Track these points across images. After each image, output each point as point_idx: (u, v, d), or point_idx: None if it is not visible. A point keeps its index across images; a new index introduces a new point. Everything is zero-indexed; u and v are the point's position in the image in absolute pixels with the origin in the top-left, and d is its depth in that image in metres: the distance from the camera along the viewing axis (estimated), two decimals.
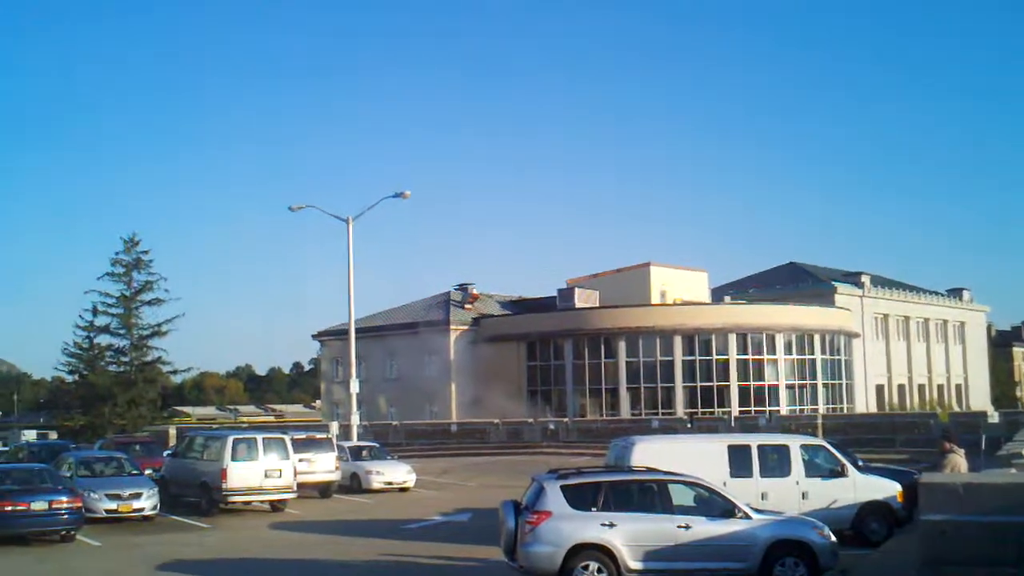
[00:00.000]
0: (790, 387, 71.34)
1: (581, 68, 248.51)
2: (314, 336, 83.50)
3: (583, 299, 76.90)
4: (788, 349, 71.44)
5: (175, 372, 77.21)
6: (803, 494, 20.54)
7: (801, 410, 68.47)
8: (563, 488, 16.51)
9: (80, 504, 23.52)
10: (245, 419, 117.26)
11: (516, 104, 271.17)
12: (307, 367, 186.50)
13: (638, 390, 69.62)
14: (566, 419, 62.63)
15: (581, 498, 16.43)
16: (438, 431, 61.81)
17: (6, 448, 50.26)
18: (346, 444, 37.92)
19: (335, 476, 33.38)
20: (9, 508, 22.36)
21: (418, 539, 23.48)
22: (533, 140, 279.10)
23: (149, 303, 71.80)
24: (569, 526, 16.02)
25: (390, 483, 35.12)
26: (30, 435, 70.79)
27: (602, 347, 70.60)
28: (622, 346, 69.88)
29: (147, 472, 29.97)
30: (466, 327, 74.80)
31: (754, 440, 22.21)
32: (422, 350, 73.14)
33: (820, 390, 72.55)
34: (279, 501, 29.27)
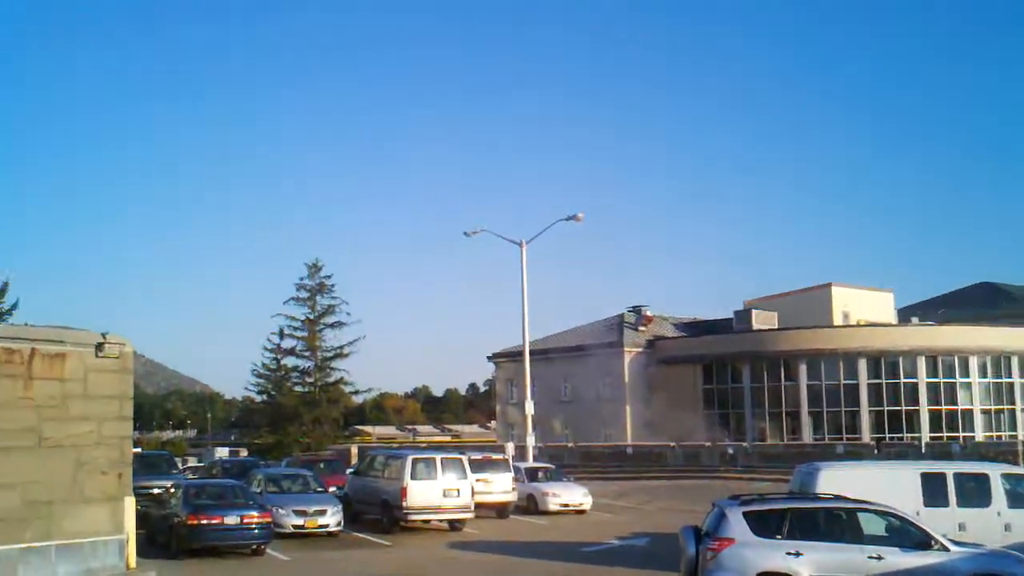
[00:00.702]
0: (985, 412, 67.58)
1: (756, 83, 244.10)
2: (489, 358, 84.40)
3: (761, 320, 75.14)
4: (983, 372, 67.73)
5: (356, 392, 79.30)
6: (1006, 526, 19.26)
7: (999, 436, 64.74)
8: (746, 514, 15.98)
9: (269, 519, 24.31)
10: (423, 439, 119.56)
11: (688, 122, 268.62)
12: (483, 388, 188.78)
13: (820, 414, 67.39)
14: (745, 443, 61.13)
15: (765, 525, 15.86)
16: (614, 453, 61.33)
17: (201, 464, 52.74)
18: (522, 465, 37.97)
19: (512, 497, 33.47)
20: (204, 521, 23.30)
21: (596, 563, 23.18)
22: (707, 158, 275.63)
23: (331, 326, 74.03)
24: (753, 554, 15.48)
25: (566, 505, 34.95)
26: (223, 452, 74.22)
27: (782, 369, 68.71)
28: (803, 368, 67.84)
29: (331, 489, 30.79)
30: (640, 349, 74.10)
31: (949, 468, 20.99)
32: (596, 372, 72.85)
33: (1020, 416, 68.39)
34: (457, 520, 29.51)
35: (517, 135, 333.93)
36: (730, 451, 57.95)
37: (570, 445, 63.44)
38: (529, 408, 45.41)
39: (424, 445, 79.87)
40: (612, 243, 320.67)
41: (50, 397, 17.68)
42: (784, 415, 68.57)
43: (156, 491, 28.08)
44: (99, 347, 18.55)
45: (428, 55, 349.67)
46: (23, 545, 16.84)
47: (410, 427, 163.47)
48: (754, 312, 76.07)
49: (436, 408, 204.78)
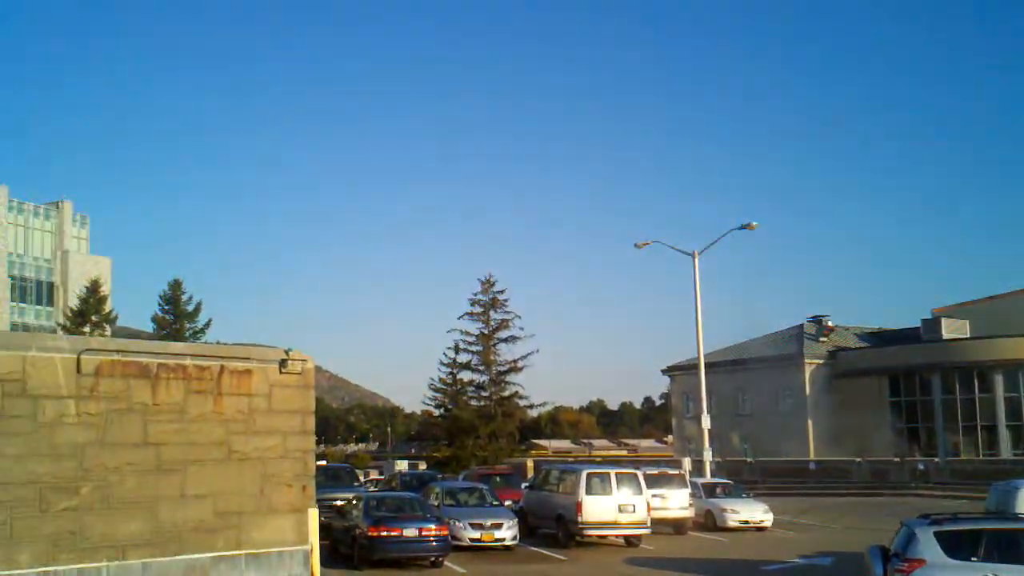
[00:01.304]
0: None
1: (940, 86, 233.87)
2: (663, 371, 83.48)
3: (951, 329, 71.60)
4: None
5: (531, 406, 79.75)
6: None
7: None
8: (937, 535, 15.13)
9: (447, 532, 24.62)
10: (598, 453, 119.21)
11: (859, 126, 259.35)
12: (658, 402, 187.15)
13: (1019, 428, 63.65)
14: (936, 459, 58.31)
15: (958, 546, 14.98)
16: (795, 469, 59.52)
17: (382, 477, 54.06)
18: (699, 480, 37.29)
19: (689, 513, 32.87)
20: (384, 533, 23.79)
21: None
22: (883, 162, 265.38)
23: (505, 340, 74.73)
24: None
25: (746, 522, 34.09)
26: (402, 465, 75.94)
27: (975, 381, 65.32)
28: (999, 380, 64.31)
29: (507, 503, 30.96)
30: (821, 361, 71.79)
31: None
32: (775, 385, 71.00)
33: None
34: (633, 536, 29.18)
35: (687, 144, 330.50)
36: (921, 467, 55.37)
37: (749, 460, 61.96)
38: (706, 422, 44.58)
39: (599, 459, 79.54)
40: (788, 252, 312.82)
41: (238, 412, 18.40)
42: (979, 429, 65.15)
43: (339, 503, 28.88)
44: (283, 363, 19.20)
45: (595, 61, 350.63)
46: (215, 554, 17.55)
47: (585, 441, 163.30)
48: (944, 320, 72.59)
49: (611, 422, 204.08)
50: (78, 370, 16.49)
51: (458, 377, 75.65)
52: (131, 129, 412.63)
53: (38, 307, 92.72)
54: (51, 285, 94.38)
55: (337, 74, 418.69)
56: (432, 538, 24.02)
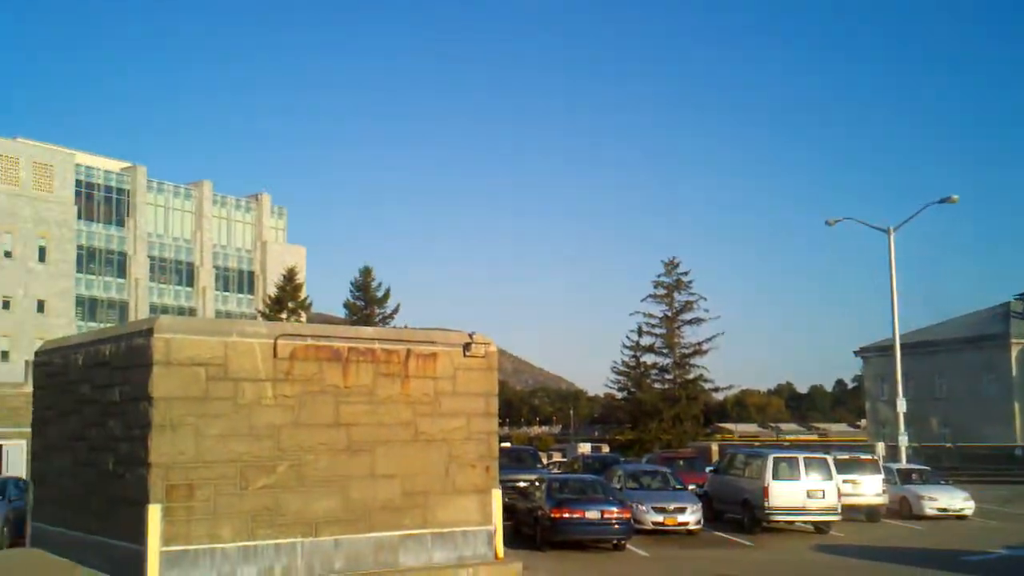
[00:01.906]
0: None
1: None
2: (856, 352, 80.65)
3: None
4: None
5: (716, 390, 78.66)
6: None
7: None
8: None
9: (629, 515, 24.59)
10: (787, 437, 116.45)
11: None
12: (850, 384, 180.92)
13: None
14: None
15: None
16: (999, 455, 56.43)
17: (564, 459, 54.43)
18: (894, 466, 35.89)
19: (882, 500, 31.69)
20: (567, 515, 23.97)
21: (978, 574, 21.41)
22: None
23: (690, 323, 73.91)
24: None
25: (944, 510, 32.61)
26: (585, 448, 76.15)
27: None
28: None
29: (690, 487, 30.66)
30: None
31: None
32: (977, 367, 67.52)
33: None
34: (823, 523, 28.39)
35: (879, 119, 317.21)
36: None
37: (948, 446, 59.16)
38: (901, 406, 42.84)
39: (787, 444, 77.62)
40: (990, 227, 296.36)
41: (424, 394, 18.90)
42: None
43: (522, 484, 29.26)
44: (466, 347, 19.59)
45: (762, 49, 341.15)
46: (403, 532, 18.11)
47: (773, 425, 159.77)
48: None
49: (800, 405, 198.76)
50: (275, 354, 17.28)
51: (641, 360, 75.37)
52: (326, 127, 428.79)
53: (239, 295, 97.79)
54: (251, 274, 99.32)
55: (534, 66, 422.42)
56: (615, 521, 24.05)
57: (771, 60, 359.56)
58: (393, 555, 17.97)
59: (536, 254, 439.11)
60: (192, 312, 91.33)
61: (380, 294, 75.17)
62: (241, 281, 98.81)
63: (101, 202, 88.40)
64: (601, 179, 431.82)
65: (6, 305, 78.32)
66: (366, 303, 74.50)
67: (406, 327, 55.66)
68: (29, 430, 23.41)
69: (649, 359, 75.42)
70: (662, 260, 75.05)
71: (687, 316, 73.90)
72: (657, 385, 75.01)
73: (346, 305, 75.85)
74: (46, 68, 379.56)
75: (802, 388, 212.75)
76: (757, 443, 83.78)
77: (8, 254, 78.92)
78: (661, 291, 74.11)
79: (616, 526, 24.11)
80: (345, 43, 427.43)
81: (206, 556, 16.09)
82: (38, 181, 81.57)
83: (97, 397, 18.12)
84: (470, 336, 19.78)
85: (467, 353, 19.57)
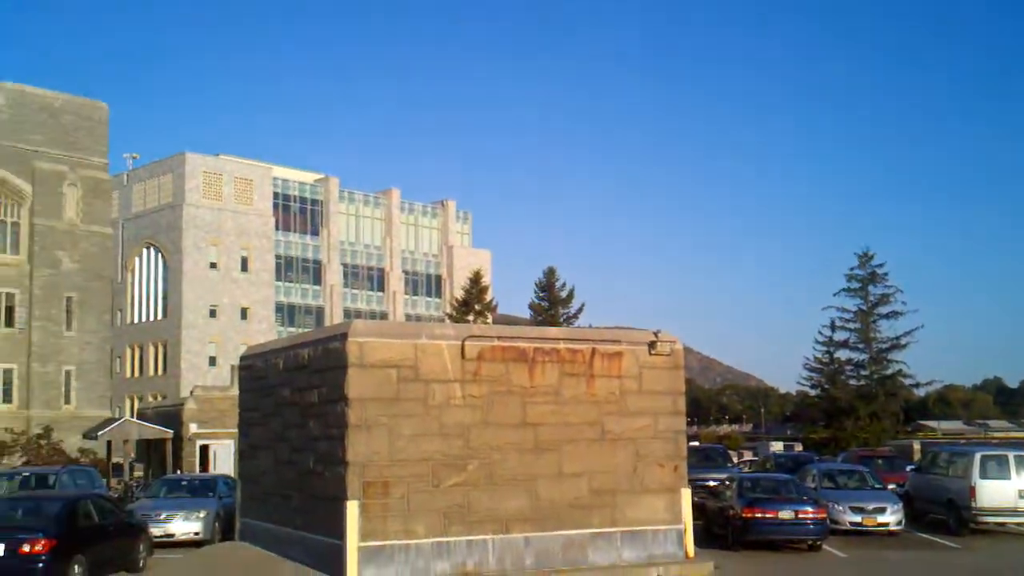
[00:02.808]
0: None
1: None
2: None
3: None
4: None
5: (916, 385, 75.27)
6: None
7: None
8: None
9: (825, 515, 23.86)
10: (995, 435, 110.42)
11: None
12: None
13: None
14: None
15: None
16: None
17: (756, 458, 53.33)
18: None
19: None
20: (759, 515, 23.47)
21: None
22: None
23: (886, 316, 71.09)
24: None
25: None
26: (777, 446, 74.39)
27: None
28: None
29: (890, 487, 29.50)
30: None
31: None
32: None
33: None
34: None
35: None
36: None
37: None
38: None
39: (996, 441, 73.60)
40: None
41: (609, 393, 18.87)
42: None
43: (712, 483, 28.84)
44: (651, 345, 19.44)
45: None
46: (592, 530, 18.14)
47: (980, 422, 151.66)
48: None
49: (1011, 401, 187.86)
50: (463, 356, 17.63)
51: (835, 356, 73.04)
52: (507, 133, 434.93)
53: (427, 298, 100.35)
54: (438, 278, 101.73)
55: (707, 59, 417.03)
56: (809, 521, 23.40)
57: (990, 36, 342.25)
58: (582, 553, 18.03)
59: (723, 248, 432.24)
60: (383, 316, 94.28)
61: (564, 294, 75.58)
62: (429, 285, 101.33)
63: (297, 213, 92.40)
64: (788, 169, 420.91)
65: (213, 313, 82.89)
66: (550, 304, 75.05)
67: (590, 327, 55.82)
68: (236, 431, 24.74)
69: (843, 355, 73.01)
70: (855, 252, 72.42)
71: (883, 310, 71.11)
72: (852, 381, 72.49)
73: (531, 306, 76.65)
74: (246, 89, 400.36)
75: (1012, 383, 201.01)
76: (963, 440, 79.75)
77: (214, 265, 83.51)
78: (855, 284, 71.58)
79: (811, 526, 23.45)
80: (524, 50, 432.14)
81: (401, 551, 16.56)
82: (239, 195, 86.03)
83: (297, 399, 18.95)
84: (655, 334, 19.63)
85: (652, 351, 19.42)
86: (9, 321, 59.83)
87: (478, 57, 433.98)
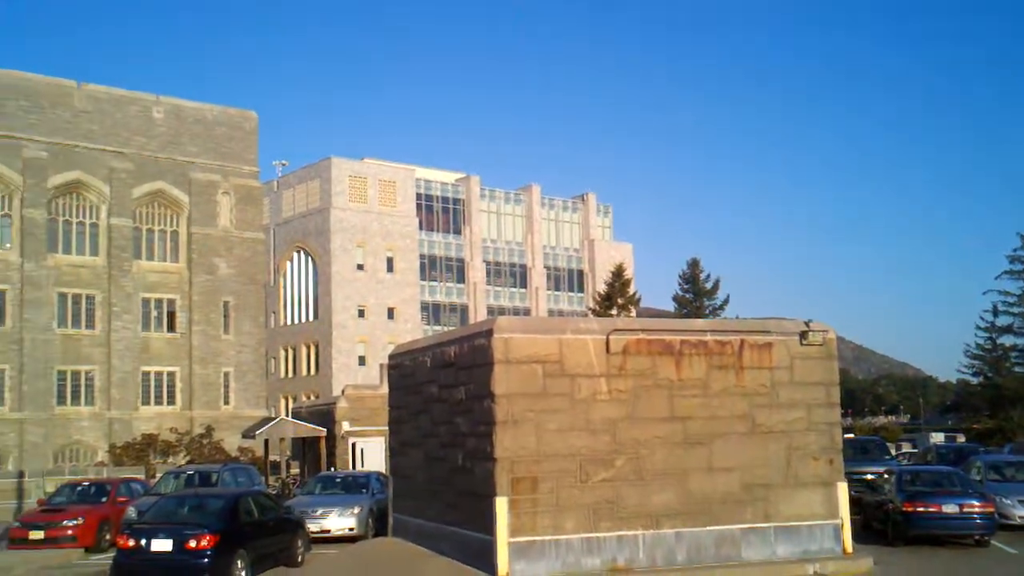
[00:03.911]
0: None
1: None
2: None
3: None
4: None
5: None
6: None
7: None
8: None
9: (992, 509, 22.75)
10: None
11: None
12: None
13: None
14: None
15: None
16: None
17: (915, 450, 51.40)
18: None
19: None
20: (920, 509, 22.55)
21: None
22: None
23: None
24: None
25: None
26: (937, 437, 71.58)
27: None
28: None
29: None
30: None
31: None
32: None
33: None
34: None
35: None
36: None
37: None
38: None
39: None
40: None
41: (760, 385, 18.48)
42: None
43: (869, 477, 27.88)
44: (803, 335, 18.95)
45: None
46: (744, 525, 17.79)
47: None
48: None
49: None
50: (608, 350, 17.54)
51: (998, 342, 69.89)
52: (646, 125, 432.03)
53: (570, 293, 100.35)
54: (580, 273, 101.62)
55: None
56: (976, 515, 22.34)
57: None
58: (735, 548, 17.70)
59: (874, 235, 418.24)
60: (526, 312, 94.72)
61: (709, 286, 74.38)
62: (571, 280, 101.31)
63: (439, 213, 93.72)
64: (944, 144, 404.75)
65: (361, 313, 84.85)
66: (695, 295, 73.98)
67: (737, 318, 54.80)
68: (386, 428, 25.19)
69: (1008, 340, 69.73)
70: (1018, 232, 69.10)
71: None
72: (1018, 369, 69.18)
73: (675, 299, 75.72)
74: (388, 93, 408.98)
75: None
76: None
77: (361, 267, 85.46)
78: (1018, 267, 68.30)
79: (978, 521, 22.37)
80: (657, 41, 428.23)
81: (551, 547, 16.57)
82: (384, 197, 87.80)
83: (444, 396, 19.17)
84: (806, 324, 19.12)
85: (804, 341, 18.92)
86: (171, 326, 62.60)
87: (612, 51, 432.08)
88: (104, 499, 27.20)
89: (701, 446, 17.81)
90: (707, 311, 71.77)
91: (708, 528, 17.57)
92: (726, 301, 74.22)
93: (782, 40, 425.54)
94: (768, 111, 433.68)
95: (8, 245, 57.45)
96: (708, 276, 74.81)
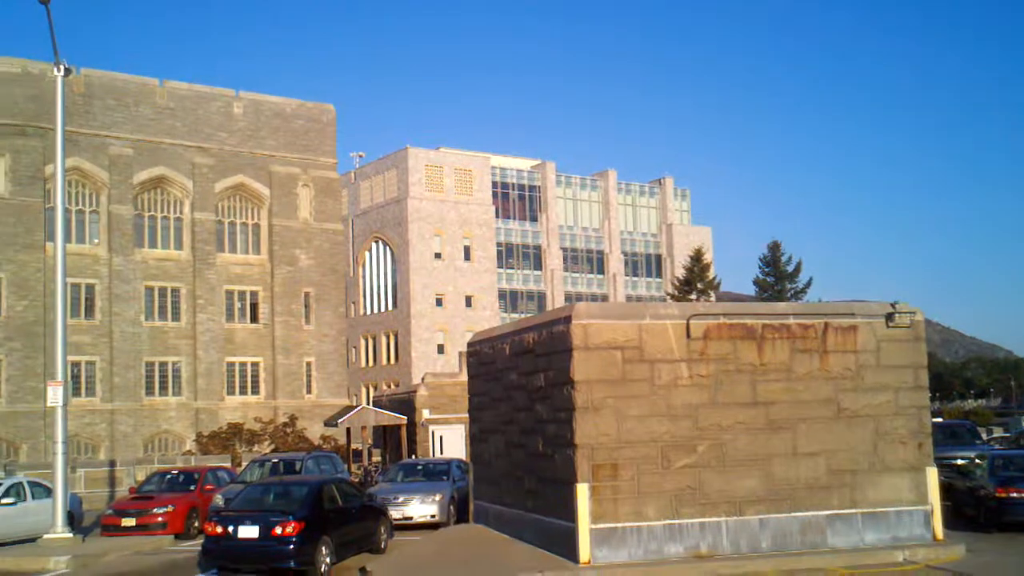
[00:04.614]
0: None
1: None
2: None
3: None
4: None
5: None
6: None
7: None
8: None
9: None
10: None
11: None
12: None
13: None
14: None
15: None
16: None
17: (1008, 435, 50.11)
18: None
19: None
20: (1014, 495, 21.69)
21: None
22: None
23: None
24: None
25: None
26: None
27: None
28: None
29: None
30: None
31: None
32: None
33: None
34: None
35: None
36: None
37: None
38: None
39: None
40: None
41: (845, 369, 18.11)
42: None
43: (959, 462, 27.17)
44: (889, 317, 18.52)
45: None
46: (830, 512, 17.47)
47: None
48: None
49: None
50: (687, 335, 17.35)
51: None
52: (722, 107, 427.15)
53: (648, 279, 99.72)
54: (658, 257, 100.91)
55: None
56: None
57: None
58: (821, 535, 17.41)
59: (960, 213, 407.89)
60: (604, 298, 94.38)
61: (790, 268, 73.43)
62: (649, 265, 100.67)
63: (516, 200, 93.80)
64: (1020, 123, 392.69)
65: (439, 302, 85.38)
66: (776, 279, 73.08)
67: (819, 301, 53.90)
68: (465, 416, 25.27)
69: None
70: None
71: None
72: None
73: (755, 282, 74.90)
74: (463, 81, 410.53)
75: None
76: None
77: (438, 255, 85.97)
78: None
79: None
80: (728, 23, 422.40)
81: (632, 534, 16.47)
82: (460, 186, 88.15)
83: (523, 383, 19.16)
84: (892, 306, 18.68)
85: (890, 324, 18.50)
86: (254, 317, 63.71)
87: (686, 33, 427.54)
88: (192, 487, 27.79)
89: (785, 431, 17.53)
90: (788, 294, 70.84)
91: (793, 514, 17.30)
92: (808, 284, 73.23)
93: (859, 16, 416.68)
94: (848, 89, 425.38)
95: (96, 241, 58.99)
96: (789, 259, 73.87)
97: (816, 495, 17.46)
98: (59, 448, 24.20)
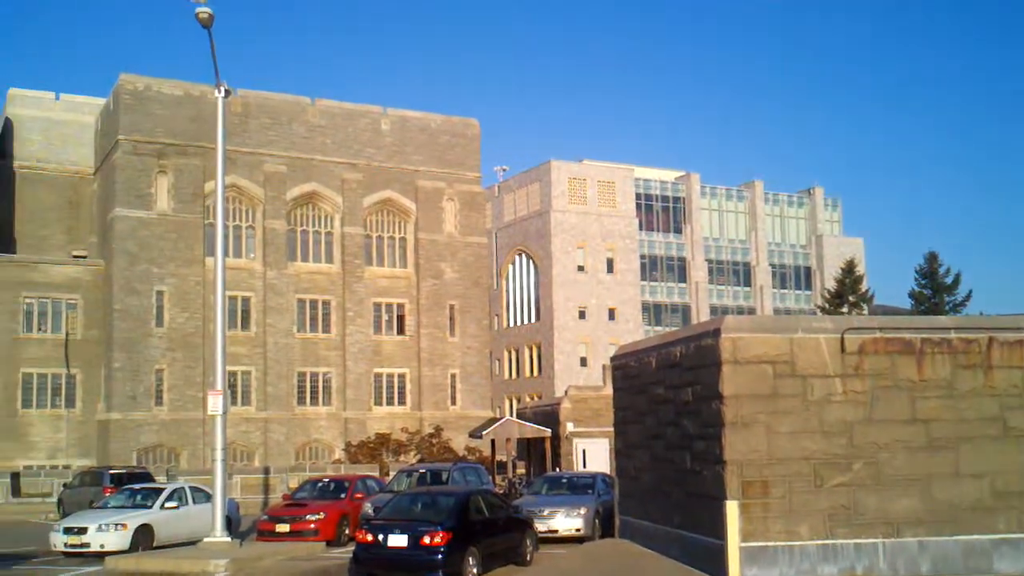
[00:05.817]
0: None
1: None
2: None
3: None
4: None
5: None
6: None
7: None
8: None
9: None
10: None
11: None
12: None
13: None
14: None
15: None
16: None
17: None
18: None
19: None
20: None
21: None
22: None
23: None
24: None
25: None
26: None
27: None
28: None
29: None
30: None
31: None
32: None
33: None
34: None
35: None
36: None
37: None
38: None
39: None
40: None
41: (1012, 386, 17.27)
42: None
43: None
44: None
45: None
46: (996, 536, 16.64)
47: None
48: None
49: None
50: (842, 349, 16.82)
51: None
52: (875, 114, 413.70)
53: (796, 291, 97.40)
54: (807, 269, 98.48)
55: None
56: None
57: None
58: (986, 560, 16.60)
59: None
60: (751, 311, 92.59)
61: (949, 281, 70.51)
62: (797, 277, 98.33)
63: (659, 212, 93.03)
64: None
65: (582, 315, 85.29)
66: (933, 291, 70.28)
67: (981, 314, 51.61)
68: (611, 429, 25.10)
69: None
70: None
71: None
72: None
73: (911, 295, 72.15)
74: (604, 95, 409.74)
75: None
76: None
77: (581, 268, 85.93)
78: None
79: None
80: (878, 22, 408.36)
81: (784, 553, 16.05)
82: (602, 198, 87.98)
83: (670, 397, 18.92)
84: None
85: None
86: (401, 329, 64.96)
87: (832, 41, 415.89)
88: (343, 495, 28.42)
89: (946, 450, 16.80)
90: (947, 307, 68.03)
91: (955, 538, 16.54)
92: (968, 297, 70.11)
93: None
94: (1005, 93, 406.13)
95: (252, 255, 61.20)
96: (948, 270, 70.95)
97: (981, 518, 16.66)
98: (218, 455, 25.06)
